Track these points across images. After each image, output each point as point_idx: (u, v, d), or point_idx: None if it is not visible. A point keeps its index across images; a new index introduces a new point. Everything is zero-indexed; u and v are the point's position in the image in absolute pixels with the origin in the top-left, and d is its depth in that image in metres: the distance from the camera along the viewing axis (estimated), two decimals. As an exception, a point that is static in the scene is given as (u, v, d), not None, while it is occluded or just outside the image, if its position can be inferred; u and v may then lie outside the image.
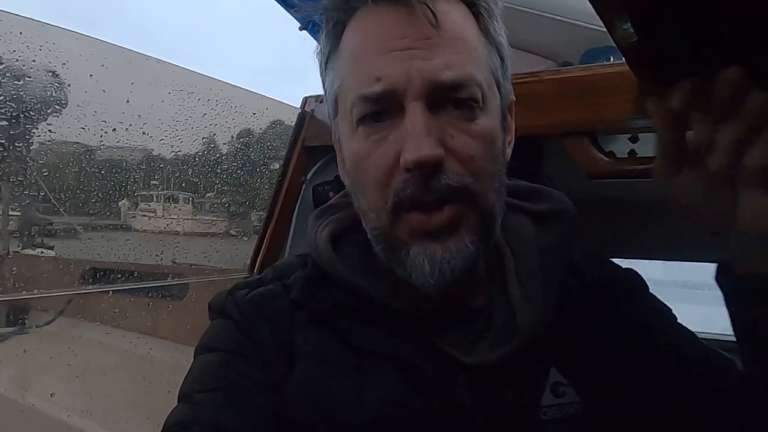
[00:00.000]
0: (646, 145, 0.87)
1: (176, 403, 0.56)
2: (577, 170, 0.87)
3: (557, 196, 0.65)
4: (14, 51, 0.77)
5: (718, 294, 0.54)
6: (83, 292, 1.14)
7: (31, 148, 0.88)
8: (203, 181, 1.25)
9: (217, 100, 1.15)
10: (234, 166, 1.30)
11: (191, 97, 1.08)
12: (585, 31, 1.22)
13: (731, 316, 0.52)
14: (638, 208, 1.10)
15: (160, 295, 1.27)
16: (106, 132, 0.92)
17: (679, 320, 0.65)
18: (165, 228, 1.39)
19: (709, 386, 0.57)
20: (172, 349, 1.24)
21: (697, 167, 0.46)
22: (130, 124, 0.96)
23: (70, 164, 0.97)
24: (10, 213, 1.03)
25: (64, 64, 0.84)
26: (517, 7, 1.25)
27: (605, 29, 0.66)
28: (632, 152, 0.88)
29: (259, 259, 1.31)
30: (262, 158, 1.39)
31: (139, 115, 0.98)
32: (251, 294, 0.62)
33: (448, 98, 0.52)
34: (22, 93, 0.82)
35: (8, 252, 1.02)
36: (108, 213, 1.05)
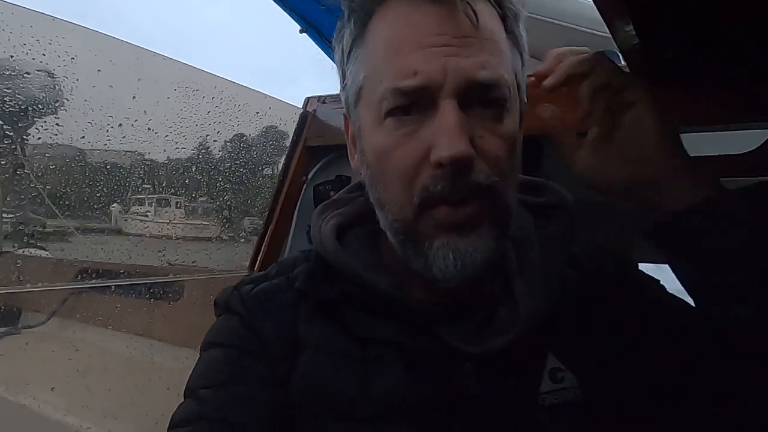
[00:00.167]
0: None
1: (169, 406, 0.57)
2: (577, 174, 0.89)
3: (556, 189, 0.66)
4: (24, 44, 0.78)
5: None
6: (74, 287, 1.14)
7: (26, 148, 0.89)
8: (209, 179, 1.25)
9: (221, 98, 1.16)
10: (237, 164, 1.30)
11: (196, 95, 1.09)
12: (584, 35, 1.24)
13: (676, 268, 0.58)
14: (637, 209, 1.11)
15: (154, 297, 1.26)
16: (112, 127, 0.93)
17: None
18: (179, 233, 1.38)
19: (705, 360, 0.57)
20: (164, 349, 1.24)
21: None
22: (136, 120, 0.97)
23: (72, 165, 0.97)
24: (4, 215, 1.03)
25: (73, 58, 0.84)
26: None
27: (604, 34, 0.68)
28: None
29: (259, 258, 1.31)
30: (257, 162, 1.39)
31: (145, 111, 0.98)
32: (256, 289, 0.63)
33: (479, 97, 0.53)
34: (24, 90, 0.82)
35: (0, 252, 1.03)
36: (113, 213, 1.05)
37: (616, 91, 0.58)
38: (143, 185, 1.15)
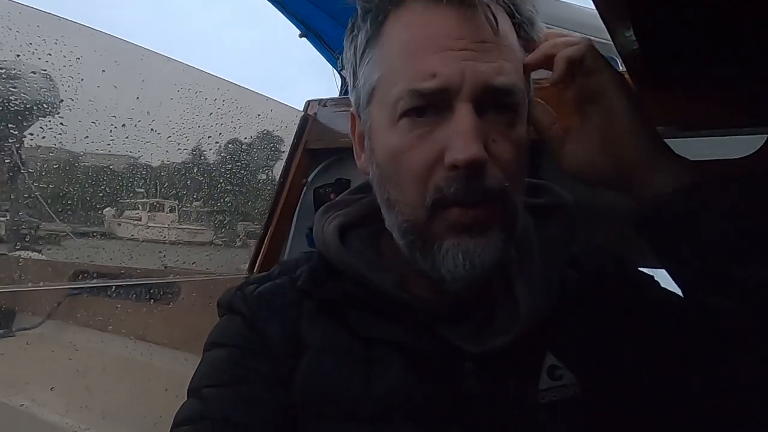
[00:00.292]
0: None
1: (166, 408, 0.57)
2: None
3: (556, 190, 0.67)
4: (31, 44, 0.78)
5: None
6: (68, 287, 1.14)
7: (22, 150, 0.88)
8: (208, 182, 1.26)
9: (223, 100, 1.16)
10: (237, 166, 1.31)
11: (198, 96, 1.09)
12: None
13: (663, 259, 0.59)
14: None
15: (153, 299, 1.26)
16: (115, 127, 0.93)
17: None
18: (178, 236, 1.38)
19: (703, 357, 0.58)
20: (155, 352, 1.24)
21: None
22: (139, 120, 0.97)
23: (68, 168, 0.97)
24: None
25: (78, 59, 0.85)
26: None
27: (604, 41, 0.69)
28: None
29: (258, 261, 1.32)
30: (258, 165, 1.40)
31: (148, 112, 0.99)
32: (259, 289, 0.63)
33: (494, 102, 0.54)
34: (30, 90, 0.82)
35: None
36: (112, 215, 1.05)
37: (588, 72, 0.59)
38: (137, 189, 1.15)
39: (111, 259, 1.14)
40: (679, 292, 0.61)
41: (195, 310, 1.30)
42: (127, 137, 0.97)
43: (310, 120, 1.32)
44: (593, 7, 0.58)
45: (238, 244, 1.47)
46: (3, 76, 0.80)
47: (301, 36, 1.73)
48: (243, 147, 1.36)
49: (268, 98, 1.28)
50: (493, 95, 0.53)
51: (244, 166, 1.35)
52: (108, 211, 1.13)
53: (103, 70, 0.90)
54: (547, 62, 0.59)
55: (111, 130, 0.94)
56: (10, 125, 0.83)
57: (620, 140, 0.58)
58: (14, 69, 0.79)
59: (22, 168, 0.91)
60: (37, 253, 1.07)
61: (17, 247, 1.04)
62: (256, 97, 1.27)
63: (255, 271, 1.33)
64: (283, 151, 1.36)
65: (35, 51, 0.79)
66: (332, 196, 1.22)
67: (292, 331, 0.60)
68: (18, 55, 0.77)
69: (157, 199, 1.28)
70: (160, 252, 1.25)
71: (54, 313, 1.22)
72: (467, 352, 0.56)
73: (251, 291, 0.63)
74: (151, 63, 0.98)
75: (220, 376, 0.58)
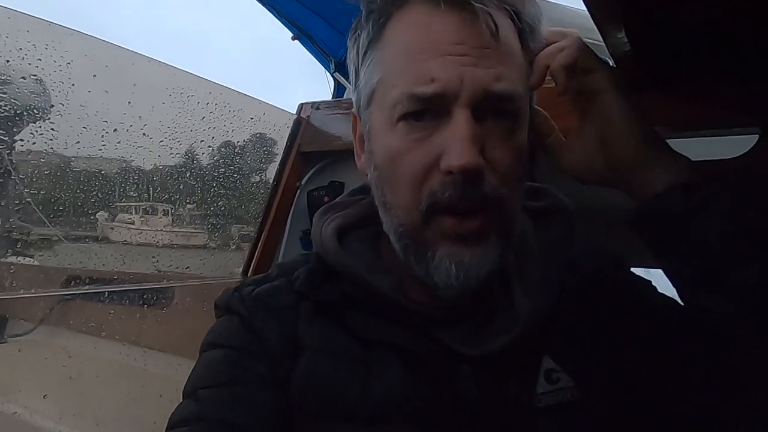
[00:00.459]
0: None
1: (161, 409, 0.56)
2: (569, 177, 0.90)
3: (555, 193, 0.67)
4: (21, 49, 0.77)
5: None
6: (60, 293, 1.13)
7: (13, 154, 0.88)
8: (201, 185, 1.25)
9: (216, 104, 1.16)
10: (230, 170, 1.30)
11: (191, 100, 1.09)
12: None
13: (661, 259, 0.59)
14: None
15: (144, 305, 1.25)
16: (107, 132, 0.93)
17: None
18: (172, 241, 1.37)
19: (699, 359, 0.58)
20: (149, 357, 1.23)
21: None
22: (131, 125, 0.97)
23: (59, 173, 0.97)
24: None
25: (69, 63, 0.84)
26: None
27: (597, 42, 0.69)
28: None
29: (253, 264, 1.31)
30: (251, 168, 1.39)
31: (140, 116, 0.98)
32: (257, 291, 0.63)
33: (493, 109, 0.53)
34: (20, 95, 0.82)
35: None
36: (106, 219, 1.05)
37: (583, 72, 0.59)
38: (129, 193, 1.14)
39: (104, 264, 1.13)
40: (675, 293, 0.61)
41: (189, 314, 1.29)
42: (118, 142, 0.96)
43: (303, 123, 1.32)
44: (584, 7, 0.58)
45: (232, 247, 1.47)
46: (-7, 81, 0.80)
47: (293, 38, 1.73)
48: (236, 150, 1.35)
49: (260, 101, 1.28)
50: (492, 101, 0.53)
51: (237, 169, 1.35)
52: (101, 215, 1.13)
53: (94, 75, 0.89)
54: (548, 72, 0.59)
55: (103, 135, 0.93)
56: (0, 131, 0.83)
57: (618, 137, 0.58)
58: (4, 74, 0.79)
59: (13, 173, 0.90)
60: (29, 259, 1.06)
61: (9, 253, 1.03)
62: (248, 101, 1.27)
63: (249, 274, 1.32)
64: (277, 154, 1.35)
65: (25, 56, 0.78)
66: (326, 198, 1.22)
67: (290, 333, 0.59)
68: (8, 61, 0.77)
69: (150, 203, 1.27)
70: (154, 257, 1.24)
71: (46, 319, 1.21)
72: (463, 355, 0.56)
73: (249, 292, 0.63)
74: (142, 67, 0.98)
75: (217, 377, 0.57)
